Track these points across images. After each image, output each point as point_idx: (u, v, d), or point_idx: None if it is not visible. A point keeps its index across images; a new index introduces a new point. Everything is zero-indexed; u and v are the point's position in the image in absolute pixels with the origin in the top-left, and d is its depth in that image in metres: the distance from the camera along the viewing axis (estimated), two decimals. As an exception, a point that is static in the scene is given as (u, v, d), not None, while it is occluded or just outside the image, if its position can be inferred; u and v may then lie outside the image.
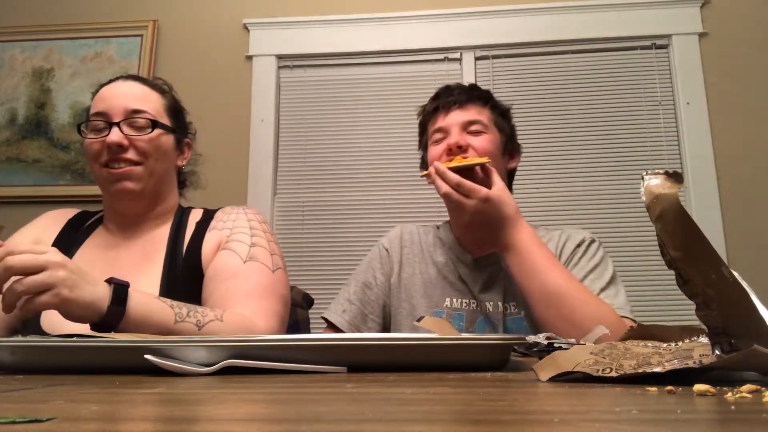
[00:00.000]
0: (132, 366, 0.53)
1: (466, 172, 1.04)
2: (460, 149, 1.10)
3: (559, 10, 2.38)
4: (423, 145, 1.24)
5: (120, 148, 0.99)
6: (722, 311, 0.39)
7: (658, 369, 0.40)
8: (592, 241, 1.14)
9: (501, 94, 2.31)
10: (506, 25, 2.39)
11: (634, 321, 1.02)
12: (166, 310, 0.81)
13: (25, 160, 2.44)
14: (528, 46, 2.38)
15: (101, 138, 1.00)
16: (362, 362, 0.54)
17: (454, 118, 1.15)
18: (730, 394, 0.34)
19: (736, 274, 0.38)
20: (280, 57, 2.47)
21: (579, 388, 0.40)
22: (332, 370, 0.53)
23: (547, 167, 2.28)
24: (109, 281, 0.77)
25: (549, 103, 2.33)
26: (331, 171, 2.38)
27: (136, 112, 1.02)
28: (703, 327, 0.42)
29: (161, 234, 1.06)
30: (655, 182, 0.41)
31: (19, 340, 0.64)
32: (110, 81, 1.08)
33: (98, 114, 1.02)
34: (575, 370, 0.43)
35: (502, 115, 1.20)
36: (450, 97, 1.17)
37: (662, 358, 0.42)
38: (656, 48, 2.33)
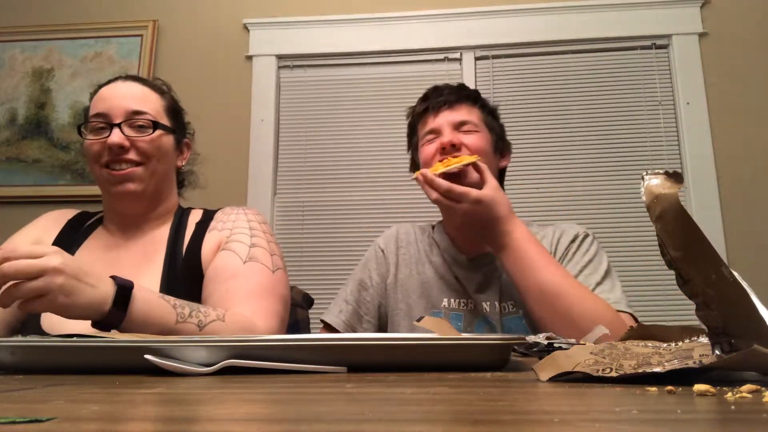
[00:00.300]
0: (132, 366, 0.53)
1: (456, 174, 1.03)
2: (454, 147, 1.09)
3: (559, 10, 2.38)
4: (413, 147, 1.24)
5: (121, 149, 0.99)
6: (722, 311, 0.39)
7: (658, 369, 0.40)
8: (586, 236, 1.13)
9: (501, 94, 2.33)
10: (506, 25, 2.39)
11: (632, 315, 1.02)
12: (169, 309, 0.81)
13: (25, 160, 2.44)
14: (528, 46, 2.38)
15: (102, 139, 1.00)
16: (362, 362, 0.54)
17: (445, 118, 1.14)
18: (730, 394, 0.34)
19: (736, 274, 0.38)
20: (280, 57, 2.47)
21: (579, 388, 0.40)
22: (332, 370, 0.53)
23: (547, 167, 2.27)
24: (114, 279, 0.76)
25: (549, 103, 2.33)
26: (331, 171, 2.38)
27: (137, 113, 1.02)
28: (703, 327, 0.42)
29: (161, 234, 1.06)
30: (655, 182, 0.41)
31: (19, 340, 0.64)
32: (109, 81, 1.08)
33: (98, 115, 1.01)
34: (575, 370, 0.43)
35: (491, 114, 1.20)
36: (439, 97, 1.16)
37: (662, 358, 0.42)
38: (656, 48, 2.33)
